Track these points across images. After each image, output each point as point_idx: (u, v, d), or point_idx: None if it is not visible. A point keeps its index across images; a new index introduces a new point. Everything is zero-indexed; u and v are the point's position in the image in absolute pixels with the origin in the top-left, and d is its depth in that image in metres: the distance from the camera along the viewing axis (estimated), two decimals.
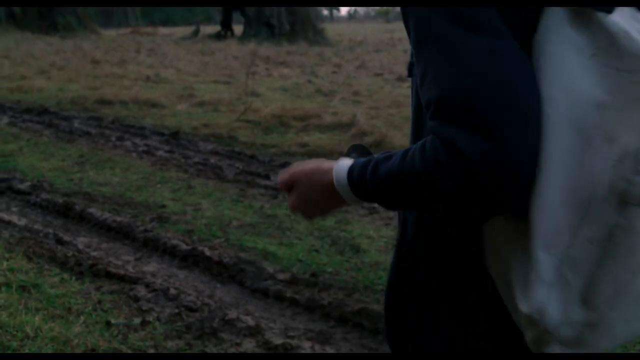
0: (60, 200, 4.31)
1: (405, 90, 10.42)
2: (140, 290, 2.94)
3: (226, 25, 30.88)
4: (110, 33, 38.78)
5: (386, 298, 0.97)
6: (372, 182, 0.81)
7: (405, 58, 14.44)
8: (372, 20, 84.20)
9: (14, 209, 4.27)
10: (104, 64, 14.89)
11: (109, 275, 3.12)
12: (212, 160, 5.55)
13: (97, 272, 3.14)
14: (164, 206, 4.26)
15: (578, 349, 0.76)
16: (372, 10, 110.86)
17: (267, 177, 5.00)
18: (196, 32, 31.81)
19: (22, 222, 3.94)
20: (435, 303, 0.89)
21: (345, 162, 0.87)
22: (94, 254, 3.44)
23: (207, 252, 3.36)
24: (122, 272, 3.15)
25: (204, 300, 2.85)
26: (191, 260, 3.35)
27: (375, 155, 0.85)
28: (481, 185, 0.69)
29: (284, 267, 3.25)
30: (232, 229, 3.85)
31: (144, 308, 2.78)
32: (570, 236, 0.71)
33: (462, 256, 0.86)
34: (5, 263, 3.23)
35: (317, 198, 0.92)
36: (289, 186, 0.95)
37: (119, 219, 3.94)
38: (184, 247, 3.46)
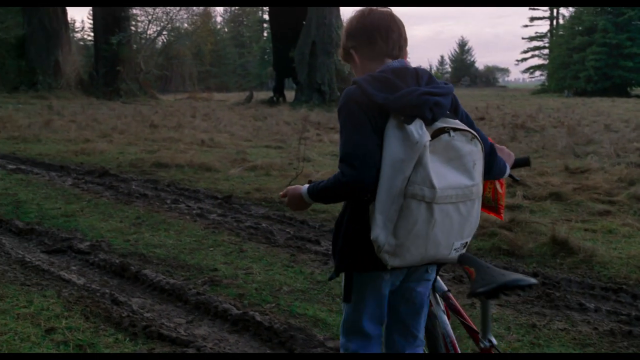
0: (117, 260, 4.44)
1: None
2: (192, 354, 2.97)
3: (278, 91, 31.82)
4: (168, 98, 40.46)
5: (333, 234, 2.00)
6: (317, 190, 1.90)
7: None
8: None
9: (74, 267, 4.42)
10: (161, 128, 15.50)
11: (162, 338, 3.17)
12: (264, 224, 5.64)
13: (150, 334, 3.20)
14: (215, 269, 4.33)
15: (395, 258, 1.77)
16: None
17: (317, 242, 5.04)
18: (250, 98, 32.83)
19: (81, 281, 4.06)
20: (346, 229, 1.91)
21: (306, 185, 1.97)
22: (148, 315, 3.50)
23: (258, 317, 3.38)
24: (174, 334, 3.19)
25: None
26: (242, 324, 3.37)
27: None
28: (352, 189, 1.76)
29: (334, 334, 3.23)
30: (283, 294, 3.87)
31: None
32: (389, 208, 1.73)
33: (354, 213, 1.88)
34: (64, 321, 3.34)
35: (295, 201, 2.02)
36: (285, 195, 2.06)
37: (172, 281, 4.02)
38: (235, 311, 3.49)
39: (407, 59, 1.99)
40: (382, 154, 1.74)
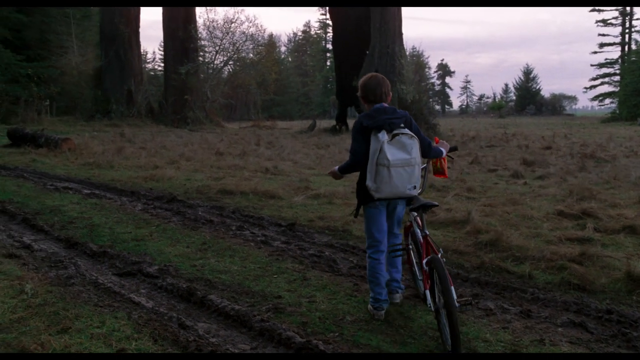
0: (184, 285, 4.55)
1: (521, 187, 10.16)
2: None
3: (341, 119, 32.02)
4: (233, 126, 41.48)
5: (356, 190, 4.11)
6: (342, 168, 4.02)
7: (521, 154, 14.18)
8: (484, 115, 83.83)
9: (143, 290, 4.56)
10: (226, 156, 15.88)
11: None
12: (327, 252, 5.66)
13: None
14: (279, 297, 4.37)
15: (377, 193, 3.74)
16: (485, 105, 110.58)
17: None
18: (312, 126, 33.19)
19: (150, 304, 4.18)
20: (359, 184, 3.99)
21: (337, 166, 4.09)
22: (213, 340, 3.56)
23: (321, 346, 3.38)
24: None
25: None
26: (305, 353, 3.37)
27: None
28: (352, 165, 3.93)
29: None
30: (346, 323, 3.86)
31: None
32: (372, 171, 3.72)
33: (360, 177, 3.95)
34: (134, 343, 3.45)
35: (334, 175, 4.11)
36: (330, 173, 4.15)
37: (237, 307, 4.09)
38: (298, 339, 3.51)
39: (388, 100, 4.01)
40: (368, 148, 3.78)
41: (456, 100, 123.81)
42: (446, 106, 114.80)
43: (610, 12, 62.08)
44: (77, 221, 7.11)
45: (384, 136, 3.67)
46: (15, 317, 3.83)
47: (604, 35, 62.88)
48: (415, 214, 3.94)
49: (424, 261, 3.63)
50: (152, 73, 72.61)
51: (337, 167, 4.04)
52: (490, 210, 7.64)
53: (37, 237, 6.25)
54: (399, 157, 3.66)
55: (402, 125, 3.77)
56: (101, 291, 4.44)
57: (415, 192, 3.79)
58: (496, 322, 3.94)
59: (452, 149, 4.41)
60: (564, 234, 6.27)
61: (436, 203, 3.76)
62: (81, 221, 7.11)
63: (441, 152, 4.12)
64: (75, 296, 4.28)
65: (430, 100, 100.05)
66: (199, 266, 5.20)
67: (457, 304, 3.22)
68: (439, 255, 3.45)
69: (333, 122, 33.63)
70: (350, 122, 32.43)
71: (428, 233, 3.77)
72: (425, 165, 4.22)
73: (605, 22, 62.56)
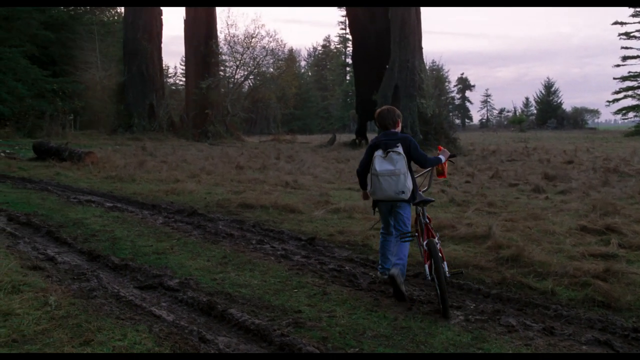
0: (204, 299, 4.57)
1: (542, 202, 10.06)
2: None
3: (361, 134, 32.06)
4: (253, 140, 41.73)
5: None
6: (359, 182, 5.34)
7: (543, 168, 14.04)
8: (504, 129, 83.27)
9: (164, 303, 4.58)
10: (247, 170, 15.98)
11: None
12: (347, 267, 5.65)
13: None
14: (299, 311, 4.37)
15: (374, 195, 4.88)
16: (505, 119, 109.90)
17: None
18: (332, 141, 33.27)
19: (170, 317, 4.21)
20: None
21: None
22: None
23: None
24: None
25: None
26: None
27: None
28: (359, 174, 5.20)
29: None
30: (367, 339, 3.84)
31: None
32: (369, 179, 4.92)
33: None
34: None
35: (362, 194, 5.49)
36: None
37: (257, 321, 4.09)
38: (318, 354, 3.49)
39: (396, 127, 5.04)
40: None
41: (476, 114, 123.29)
42: (466, 120, 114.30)
43: (634, 25, 61.59)
44: (99, 234, 7.19)
45: (379, 152, 4.84)
46: (39, 328, 3.87)
47: (627, 48, 62.17)
48: (419, 207, 4.96)
49: (425, 242, 4.70)
50: (173, 87, 73.48)
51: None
52: (511, 225, 7.57)
53: (60, 250, 6.33)
54: (386, 168, 4.76)
55: (398, 145, 4.81)
56: (123, 304, 4.48)
57: (406, 197, 4.79)
58: (518, 339, 3.89)
59: (452, 156, 5.33)
60: (587, 249, 6.18)
61: (432, 199, 5.16)
62: (103, 234, 7.19)
63: (440, 159, 5.13)
64: (97, 309, 4.32)
65: (450, 114, 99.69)
66: (220, 280, 5.22)
67: (448, 275, 4.50)
68: (436, 239, 4.60)
69: (353, 136, 33.70)
70: (370, 136, 32.48)
71: (428, 221, 4.87)
72: (429, 170, 5.35)
73: (628, 35, 61.86)
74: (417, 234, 5.03)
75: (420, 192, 5.07)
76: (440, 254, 4.42)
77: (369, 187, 4.92)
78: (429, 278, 4.52)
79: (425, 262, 4.64)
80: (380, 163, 4.76)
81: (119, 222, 8.00)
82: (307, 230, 7.48)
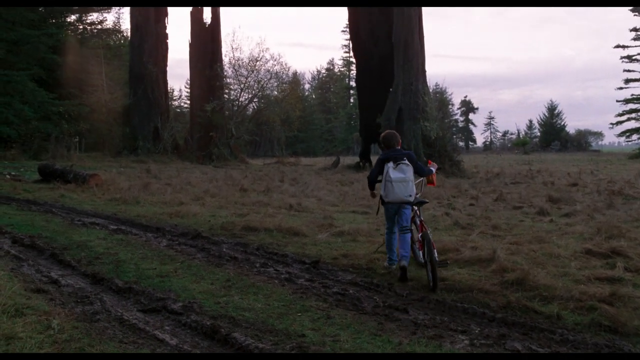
0: (208, 322, 4.54)
1: (547, 224, 10.03)
2: None
3: (365, 156, 32.09)
4: (257, 162, 41.83)
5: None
6: (368, 185, 6.87)
7: (547, 191, 14.00)
8: (508, 151, 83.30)
9: (167, 327, 4.56)
10: (251, 192, 15.99)
11: None
12: (351, 290, 5.62)
13: None
14: (303, 335, 4.34)
15: (386, 197, 6.32)
16: (509, 141, 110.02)
17: (405, 311, 4.95)
18: (336, 163, 33.33)
19: (174, 341, 4.19)
20: (381, 195, 6.54)
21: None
22: None
23: None
24: None
25: None
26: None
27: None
28: (369, 181, 6.73)
29: None
30: None
31: None
32: (383, 184, 6.37)
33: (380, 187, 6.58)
34: None
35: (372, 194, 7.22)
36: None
37: (260, 345, 4.06)
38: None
39: (398, 145, 6.52)
40: (380, 172, 6.43)
41: (480, 137, 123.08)
42: (470, 142, 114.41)
43: (636, 49, 61.78)
44: (103, 257, 7.19)
45: (390, 164, 6.30)
46: (42, 352, 3.86)
47: (629, 71, 62.45)
48: (416, 207, 6.51)
49: (420, 235, 6.37)
50: (178, 110, 73.97)
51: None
52: (516, 248, 7.54)
53: (64, 272, 6.33)
54: (398, 176, 6.25)
55: (405, 158, 6.30)
56: (126, 327, 4.46)
57: (412, 199, 6.27)
58: None
59: (438, 168, 7.17)
60: (592, 273, 6.15)
61: (427, 200, 6.84)
62: (107, 257, 7.19)
63: (431, 170, 6.78)
64: (100, 332, 4.30)
65: (454, 136, 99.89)
66: (223, 303, 5.20)
67: (437, 259, 5.90)
68: (428, 231, 6.20)
69: (357, 159, 33.72)
70: (374, 159, 32.54)
71: (422, 219, 6.58)
72: (422, 179, 6.95)
73: (630, 58, 62.23)
74: (413, 227, 6.52)
75: (417, 196, 6.56)
76: (431, 243, 5.82)
77: (382, 191, 6.36)
78: (422, 261, 6.17)
79: (419, 249, 6.42)
80: (393, 172, 6.24)
81: (122, 245, 8.00)
82: (311, 254, 7.46)
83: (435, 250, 5.80)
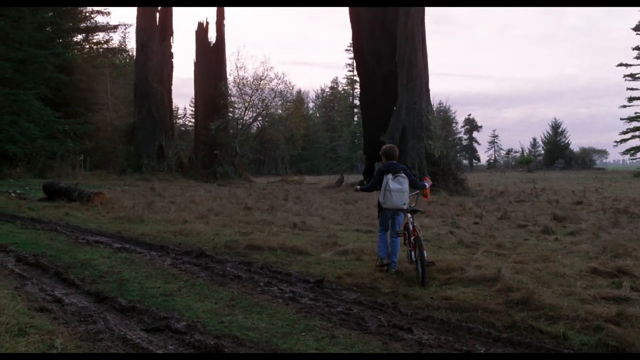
0: (211, 342, 4.52)
1: (552, 243, 9.99)
2: None
3: (369, 175, 32.02)
4: (261, 181, 41.85)
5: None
6: (363, 189, 7.95)
7: (551, 209, 13.95)
8: (512, 170, 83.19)
9: (170, 347, 4.54)
10: (255, 211, 15.98)
11: None
12: (355, 310, 5.59)
13: None
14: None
15: (384, 204, 7.28)
16: (513, 159, 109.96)
17: (410, 330, 4.92)
18: (340, 181, 33.32)
19: None
20: (378, 201, 7.48)
21: (359, 186, 8.48)
22: None
23: None
24: None
25: None
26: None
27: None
28: (369, 189, 7.73)
29: None
30: None
31: None
32: (382, 193, 7.30)
33: (379, 196, 7.42)
34: None
35: (355, 192, 10.58)
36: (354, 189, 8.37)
37: None
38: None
39: (396, 159, 7.55)
40: (380, 182, 7.34)
41: (484, 155, 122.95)
42: (474, 160, 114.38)
43: (638, 67, 61.97)
44: (107, 275, 7.18)
45: (389, 176, 7.21)
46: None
47: (632, 89, 62.60)
48: (409, 215, 7.29)
49: (412, 238, 7.10)
50: (182, 128, 74.34)
51: (359, 187, 8.07)
52: (520, 267, 7.50)
53: (68, 291, 6.32)
54: (396, 187, 7.17)
55: (402, 172, 7.27)
56: (129, 347, 4.45)
57: (405, 207, 7.22)
58: None
59: (432, 184, 8.33)
60: (598, 292, 6.11)
61: (420, 209, 8.13)
62: (111, 275, 7.18)
63: (425, 185, 7.68)
64: (103, 352, 4.28)
65: (458, 155, 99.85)
66: (227, 322, 5.18)
67: (426, 259, 6.68)
68: (420, 235, 7.03)
69: (361, 177, 33.71)
70: None
71: (415, 225, 7.23)
72: (417, 192, 7.75)
73: (633, 77, 62.41)
74: (405, 232, 7.42)
75: (412, 205, 7.45)
76: (422, 246, 6.76)
77: (381, 199, 7.27)
78: (413, 260, 7.10)
79: (412, 250, 7.21)
80: (392, 183, 7.16)
81: (126, 263, 8.00)
82: (315, 273, 7.44)
83: (425, 252, 6.72)
